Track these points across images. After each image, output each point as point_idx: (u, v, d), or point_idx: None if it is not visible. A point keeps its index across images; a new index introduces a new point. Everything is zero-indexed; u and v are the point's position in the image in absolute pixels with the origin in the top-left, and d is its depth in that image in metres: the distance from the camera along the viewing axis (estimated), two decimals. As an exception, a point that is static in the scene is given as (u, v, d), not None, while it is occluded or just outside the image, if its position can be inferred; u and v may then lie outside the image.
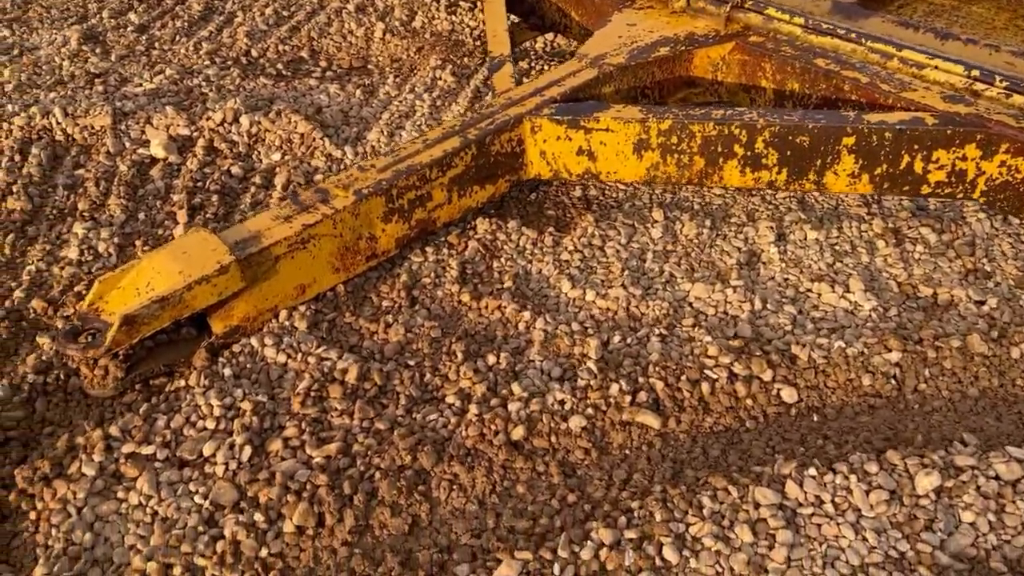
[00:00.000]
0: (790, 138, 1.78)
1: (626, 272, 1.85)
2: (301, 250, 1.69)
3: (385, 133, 2.39)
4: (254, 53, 2.87)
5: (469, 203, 1.95)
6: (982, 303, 1.72)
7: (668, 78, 2.15)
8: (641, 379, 1.56)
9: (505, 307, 1.75)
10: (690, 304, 1.77)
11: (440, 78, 2.67)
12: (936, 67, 1.76)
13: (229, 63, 2.79)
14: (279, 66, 2.81)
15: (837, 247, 1.91)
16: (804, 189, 1.86)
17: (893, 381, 1.56)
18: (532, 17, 2.68)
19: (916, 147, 1.71)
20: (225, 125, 2.36)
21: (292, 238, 1.67)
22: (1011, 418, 1.50)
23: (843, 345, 1.61)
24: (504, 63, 2.14)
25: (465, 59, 2.80)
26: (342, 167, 2.26)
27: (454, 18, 3.09)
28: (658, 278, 1.85)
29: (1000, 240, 1.90)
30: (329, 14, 3.13)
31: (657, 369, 1.58)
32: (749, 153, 1.83)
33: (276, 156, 2.29)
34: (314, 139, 2.32)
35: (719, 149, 1.84)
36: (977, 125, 1.67)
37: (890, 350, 1.60)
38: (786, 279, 1.82)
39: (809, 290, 1.79)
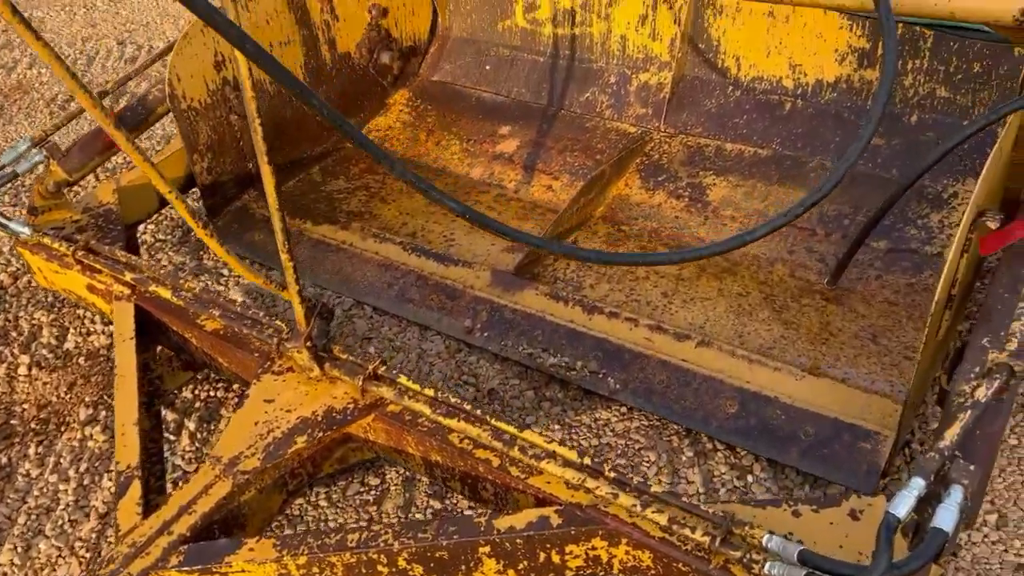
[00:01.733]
0: (429, 554, 1.74)
1: None
2: None
3: (19, 549, 2.11)
4: None
5: None
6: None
7: (319, 448, 2.06)
8: None
9: None
10: None
11: (91, 437, 2.42)
12: (554, 452, 1.78)
13: None
14: (-102, 448, 2.43)
15: (507, 622, 1.88)
16: (459, 586, 1.83)
17: None
18: (183, 354, 2.51)
19: (548, 545, 1.72)
20: None
21: None
22: None
23: None
24: (132, 480, 1.95)
25: (123, 395, 2.57)
26: (-35, 619, 1.96)
27: (111, 327, 2.85)
28: None
29: None
30: (-37, 353, 2.78)
31: None
32: (394, 569, 1.76)
33: None
34: (-74, 590, 2.01)
35: (364, 571, 1.76)
36: (597, 520, 1.70)
37: None
38: None
39: None
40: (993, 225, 1.73)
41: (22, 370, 2.69)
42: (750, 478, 2.16)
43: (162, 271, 2.42)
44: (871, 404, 2.14)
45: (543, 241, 1.98)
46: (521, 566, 1.76)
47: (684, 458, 2.23)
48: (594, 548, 1.72)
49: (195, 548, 1.78)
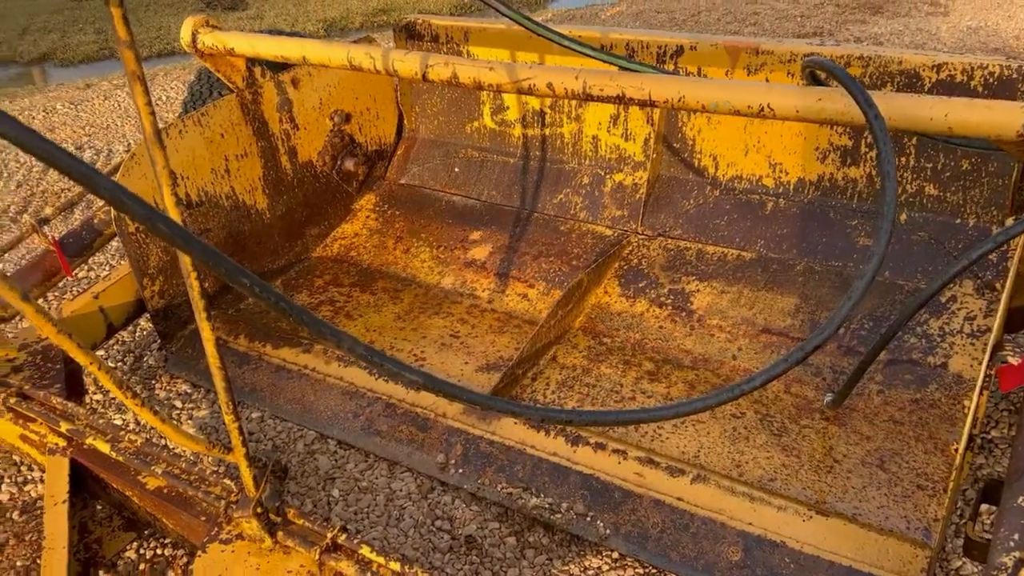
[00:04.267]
0: None
1: None
2: None
3: None
4: None
5: None
6: None
7: (272, 629, 1.81)
8: None
9: None
10: None
11: (19, 613, 2.16)
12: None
13: None
14: None
15: None
16: None
17: None
18: (124, 511, 2.26)
19: None
20: None
21: None
22: None
23: None
24: None
25: None
26: None
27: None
28: None
29: None
30: None
31: None
32: None
33: None
34: None
35: None
36: None
37: None
38: None
39: None
40: (1014, 361, 1.56)
41: (-53, 530, 2.43)
42: (760, 638, 1.93)
43: (101, 421, 2.19)
44: (888, 548, 1.94)
45: (520, 407, 1.78)
46: None
47: (685, 614, 2.00)
48: None
49: None
